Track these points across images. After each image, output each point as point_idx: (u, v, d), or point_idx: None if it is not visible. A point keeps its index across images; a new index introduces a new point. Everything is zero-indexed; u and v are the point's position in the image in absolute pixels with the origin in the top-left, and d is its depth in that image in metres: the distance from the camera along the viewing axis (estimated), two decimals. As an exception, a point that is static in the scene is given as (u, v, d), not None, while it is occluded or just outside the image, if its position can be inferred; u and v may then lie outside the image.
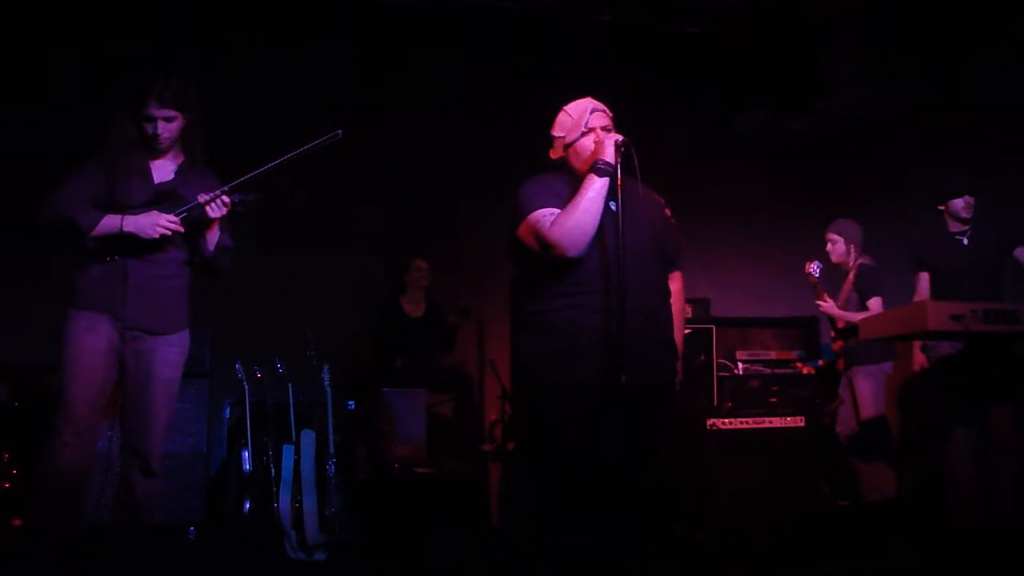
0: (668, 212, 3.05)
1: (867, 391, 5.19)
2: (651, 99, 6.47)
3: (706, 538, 4.49)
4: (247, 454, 4.90)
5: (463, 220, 6.36)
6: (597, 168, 2.75)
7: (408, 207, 6.37)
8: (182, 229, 3.13)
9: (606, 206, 2.82)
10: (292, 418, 4.84)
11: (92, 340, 3.07)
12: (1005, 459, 4.37)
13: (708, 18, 6.30)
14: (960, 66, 5.87)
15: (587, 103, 2.98)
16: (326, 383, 4.87)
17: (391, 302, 5.98)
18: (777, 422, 4.73)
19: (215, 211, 3.09)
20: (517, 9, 6.06)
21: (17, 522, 4.68)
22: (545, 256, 2.77)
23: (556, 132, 3.01)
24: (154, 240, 3.09)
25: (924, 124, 6.31)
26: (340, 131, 3.16)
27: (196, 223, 3.16)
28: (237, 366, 4.98)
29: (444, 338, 6.04)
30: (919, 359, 4.78)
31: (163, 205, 3.14)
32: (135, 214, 3.09)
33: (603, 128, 2.90)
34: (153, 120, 3.17)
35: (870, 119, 6.56)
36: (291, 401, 4.88)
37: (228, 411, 5.47)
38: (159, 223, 3.08)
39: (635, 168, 2.80)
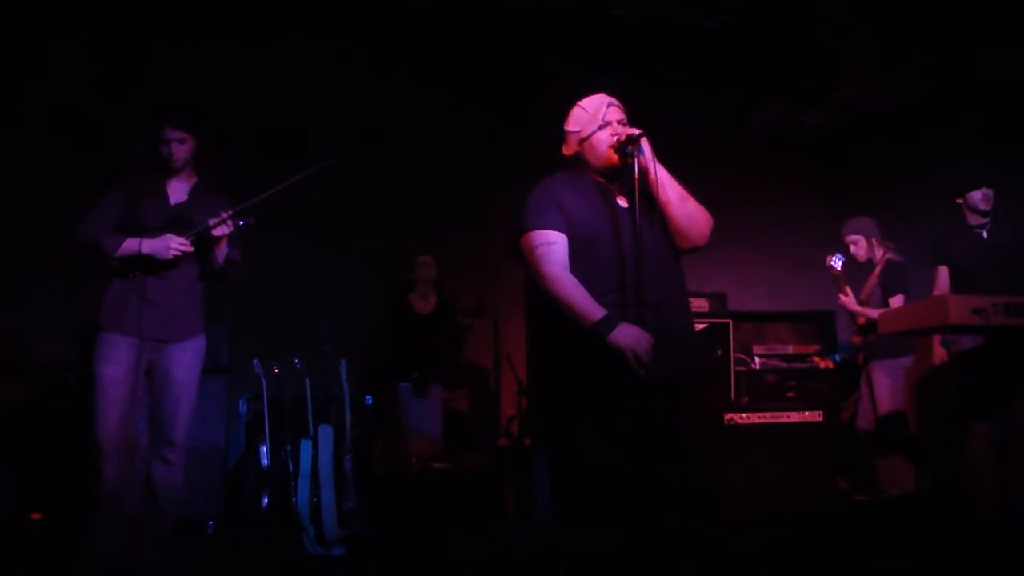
0: None
1: (885, 385, 5.17)
2: (666, 94, 6.46)
3: (723, 533, 4.48)
4: (265, 449, 4.93)
5: (478, 215, 6.37)
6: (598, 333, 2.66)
7: (424, 202, 6.38)
8: (192, 249, 3.54)
9: (616, 204, 2.84)
10: (310, 413, 4.86)
11: (112, 369, 3.50)
12: (1026, 453, 4.34)
13: (723, 12, 6.28)
14: (978, 56, 5.82)
15: (602, 97, 2.96)
16: (343, 378, 4.89)
17: (400, 300, 5.99)
18: (794, 416, 4.71)
19: (220, 230, 3.50)
20: (531, 4, 6.05)
21: (36, 516, 4.74)
22: None
23: (571, 127, 2.97)
24: (169, 259, 3.51)
25: (942, 115, 6.26)
26: (333, 159, 3.57)
27: (206, 241, 3.56)
28: (255, 362, 5.00)
29: (455, 334, 6.04)
30: (939, 353, 4.76)
31: (177, 225, 3.56)
32: (152, 236, 3.51)
33: (618, 122, 2.90)
34: (168, 142, 3.59)
35: (887, 111, 6.52)
36: (309, 396, 4.90)
37: (245, 406, 5.50)
38: (171, 245, 3.49)
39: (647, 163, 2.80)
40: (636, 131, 2.81)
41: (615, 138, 2.85)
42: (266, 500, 4.85)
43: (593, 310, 2.68)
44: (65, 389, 4.97)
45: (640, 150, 2.79)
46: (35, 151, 5.66)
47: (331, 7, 6.07)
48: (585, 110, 2.94)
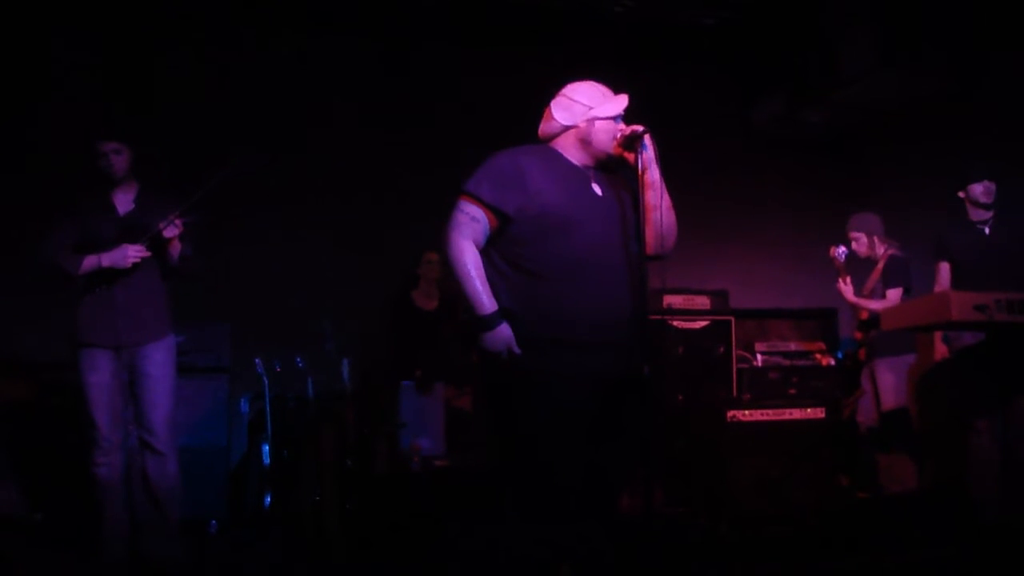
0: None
1: (888, 382, 5.16)
2: (667, 91, 6.45)
3: (726, 530, 4.48)
4: (267, 448, 4.93)
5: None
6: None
7: (426, 199, 6.36)
8: (148, 254, 3.73)
9: (594, 191, 2.81)
10: (312, 412, 4.86)
11: (96, 377, 3.76)
12: (1028, 449, 4.33)
13: (723, 9, 6.27)
14: (983, 54, 5.81)
15: (606, 88, 2.90)
16: (345, 377, 4.88)
17: (402, 296, 5.97)
18: (797, 413, 4.71)
19: (170, 232, 3.68)
20: (531, 4, 6.05)
21: (39, 516, 4.73)
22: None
23: (581, 99, 2.85)
24: (129, 267, 3.71)
25: (945, 114, 6.25)
26: (236, 158, 3.71)
27: (159, 242, 3.73)
28: (257, 361, 5.00)
29: (459, 331, 6.01)
30: (940, 349, 4.75)
31: (131, 234, 3.74)
32: (109, 248, 3.70)
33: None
34: (104, 155, 3.77)
35: (889, 109, 6.51)
36: (311, 395, 4.90)
37: (247, 406, 5.49)
38: (129, 254, 3.69)
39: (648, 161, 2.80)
40: (640, 128, 2.79)
41: (621, 133, 2.82)
42: (268, 499, 4.85)
43: (486, 301, 2.69)
44: (66, 388, 4.97)
45: (644, 147, 2.78)
46: (35, 151, 5.66)
47: (331, 7, 6.07)
48: (601, 92, 2.87)
